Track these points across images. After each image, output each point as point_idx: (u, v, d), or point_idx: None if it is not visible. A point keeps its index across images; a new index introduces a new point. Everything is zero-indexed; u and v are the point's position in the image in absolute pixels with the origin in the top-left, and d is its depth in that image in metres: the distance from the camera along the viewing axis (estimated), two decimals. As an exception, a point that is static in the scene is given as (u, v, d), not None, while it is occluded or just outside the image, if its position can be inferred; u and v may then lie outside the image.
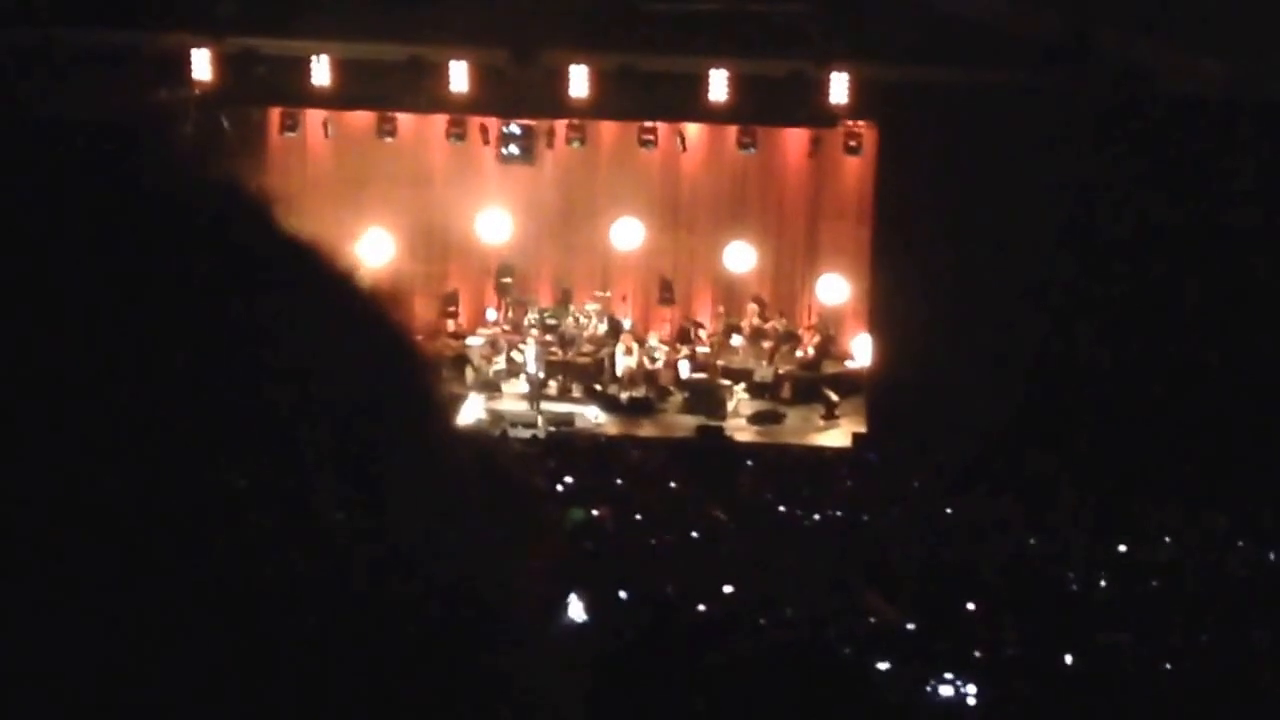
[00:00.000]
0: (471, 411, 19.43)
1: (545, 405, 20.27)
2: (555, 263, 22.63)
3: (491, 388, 20.72)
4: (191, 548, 0.77)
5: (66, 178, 0.83)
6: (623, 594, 9.43)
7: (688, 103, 19.56)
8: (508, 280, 22.40)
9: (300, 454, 0.82)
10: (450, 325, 22.24)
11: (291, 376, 0.84)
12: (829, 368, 21.52)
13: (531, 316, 21.75)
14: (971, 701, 8.57)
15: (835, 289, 22.02)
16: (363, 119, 20.93)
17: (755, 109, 19.63)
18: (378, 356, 0.92)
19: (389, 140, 21.03)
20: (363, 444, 0.86)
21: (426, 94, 19.58)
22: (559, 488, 14.19)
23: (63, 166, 0.83)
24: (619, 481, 15.57)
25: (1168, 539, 13.93)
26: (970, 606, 10.95)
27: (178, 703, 0.75)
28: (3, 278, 0.78)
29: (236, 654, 0.77)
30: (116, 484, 0.76)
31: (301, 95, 19.91)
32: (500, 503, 0.97)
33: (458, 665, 0.85)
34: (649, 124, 20.84)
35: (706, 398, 20.60)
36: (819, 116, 19.73)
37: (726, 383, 21.00)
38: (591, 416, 20.24)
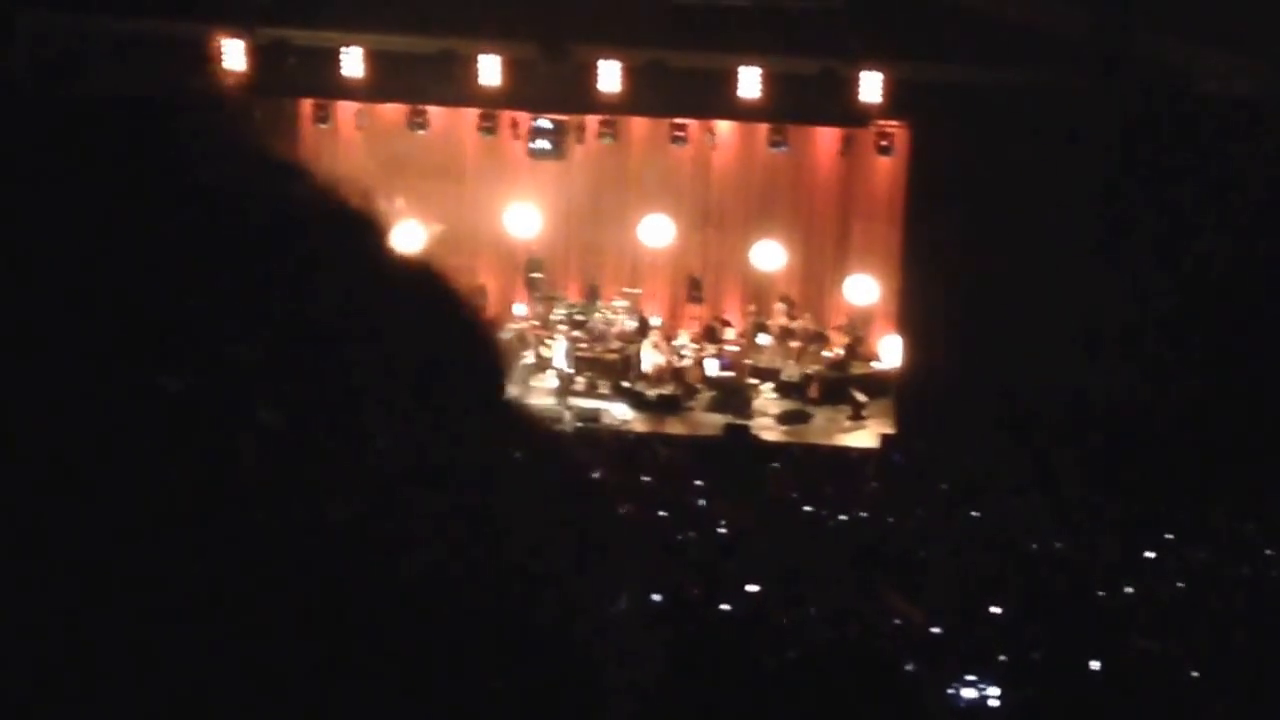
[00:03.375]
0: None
1: (572, 401, 20.25)
2: (584, 258, 22.63)
3: (518, 383, 20.69)
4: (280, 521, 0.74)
5: (126, 149, 0.80)
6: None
7: (719, 100, 19.52)
8: (536, 275, 22.39)
9: (381, 417, 0.80)
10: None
11: (365, 341, 0.82)
12: (857, 368, 21.45)
13: (560, 312, 21.73)
14: (994, 704, 8.53)
15: (864, 289, 21.96)
16: (394, 111, 20.95)
17: (786, 107, 19.57)
18: (449, 328, 0.93)
19: (420, 133, 21.06)
20: (436, 410, 0.84)
21: (457, 87, 19.59)
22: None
23: (120, 138, 0.81)
24: (645, 478, 15.54)
25: (1194, 544, 13.86)
26: (995, 609, 10.91)
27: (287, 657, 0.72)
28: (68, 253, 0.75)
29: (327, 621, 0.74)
30: (199, 444, 0.73)
31: (333, 87, 19.96)
32: (567, 476, 0.96)
33: (539, 641, 0.82)
34: (680, 120, 20.80)
35: (733, 396, 20.56)
36: (850, 115, 19.66)
37: (754, 381, 20.98)
38: (618, 413, 20.23)
